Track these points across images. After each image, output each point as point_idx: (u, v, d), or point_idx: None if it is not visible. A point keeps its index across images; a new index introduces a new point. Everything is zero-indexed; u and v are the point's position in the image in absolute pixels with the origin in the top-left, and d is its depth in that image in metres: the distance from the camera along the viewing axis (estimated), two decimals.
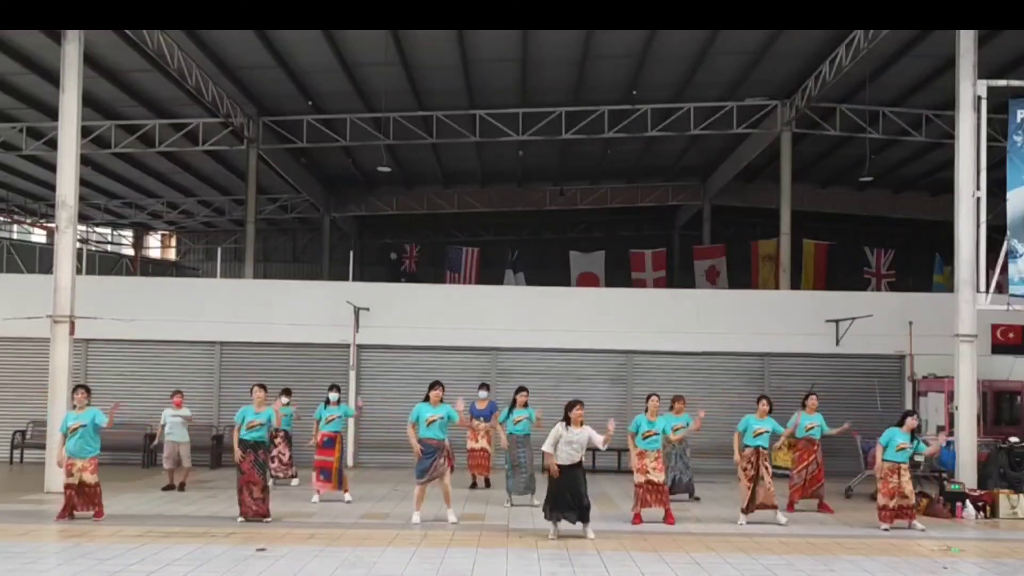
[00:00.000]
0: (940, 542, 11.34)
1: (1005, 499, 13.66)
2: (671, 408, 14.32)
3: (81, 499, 12.05)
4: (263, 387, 12.76)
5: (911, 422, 12.57)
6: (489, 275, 31.22)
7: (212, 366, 19.74)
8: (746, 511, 12.65)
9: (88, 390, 12.62)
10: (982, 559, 10.55)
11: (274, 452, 15.71)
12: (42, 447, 15.55)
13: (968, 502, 13.63)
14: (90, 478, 12.05)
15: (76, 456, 12.07)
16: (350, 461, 16.14)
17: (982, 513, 13.59)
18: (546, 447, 11.23)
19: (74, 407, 12.46)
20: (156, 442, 16.01)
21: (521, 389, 14.60)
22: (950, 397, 16.02)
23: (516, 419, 14.29)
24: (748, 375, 20.04)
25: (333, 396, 14.43)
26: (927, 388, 18.24)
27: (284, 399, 15.81)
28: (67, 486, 12.08)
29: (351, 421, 15.60)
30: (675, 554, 10.23)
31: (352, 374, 19.41)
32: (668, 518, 12.38)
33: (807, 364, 19.89)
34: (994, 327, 17.78)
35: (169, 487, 15.20)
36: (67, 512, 12.05)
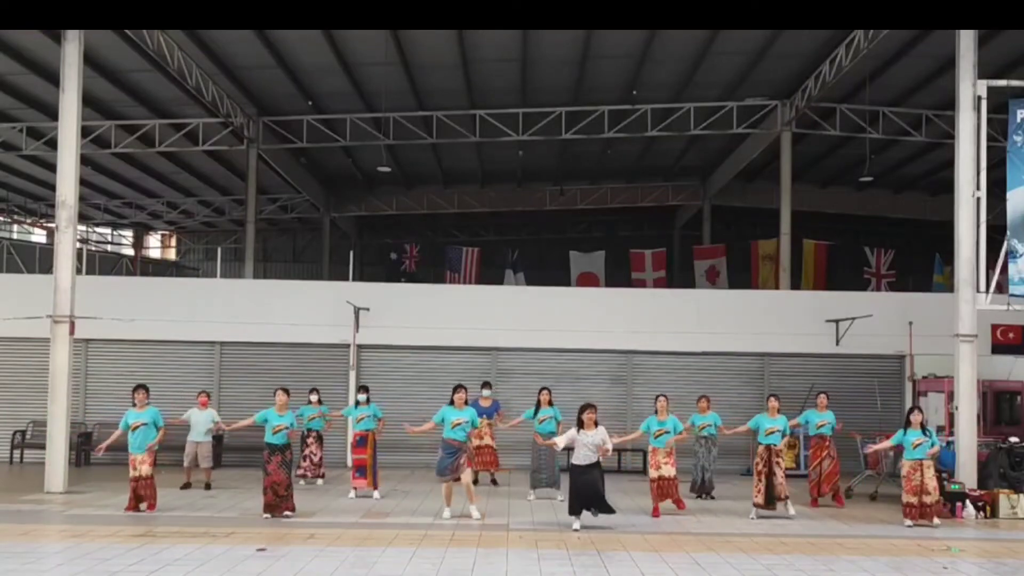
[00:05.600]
0: (940, 542, 11.34)
1: (1005, 499, 13.67)
2: (696, 406, 15.29)
3: (146, 491, 12.72)
4: (286, 391, 12.97)
5: (915, 417, 12.82)
6: (489, 275, 31.21)
7: (212, 366, 19.74)
8: (757, 506, 13.15)
9: (147, 389, 13.22)
10: (982, 559, 10.55)
11: (305, 452, 15.82)
12: (42, 447, 15.52)
13: (968, 502, 13.64)
14: (147, 470, 12.72)
15: (138, 452, 12.76)
16: (349, 461, 16.12)
17: (982, 513, 13.60)
18: (560, 441, 12.14)
19: (134, 406, 13.01)
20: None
21: (544, 389, 15.04)
22: (950, 397, 16.02)
23: (541, 418, 14.71)
24: (748, 375, 20.06)
25: (362, 397, 14.75)
26: (927, 388, 18.25)
27: (314, 398, 15.89)
28: (132, 479, 12.75)
29: (349, 421, 15.68)
30: (675, 554, 10.23)
31: (352, 374, 19.42)
32: (678, 504, 13.38)
33: (807, 364, 19.91)
34: (994, 327, 17.76)
35: (186, 486, 15.27)
36: (133, 505, 12.73)
